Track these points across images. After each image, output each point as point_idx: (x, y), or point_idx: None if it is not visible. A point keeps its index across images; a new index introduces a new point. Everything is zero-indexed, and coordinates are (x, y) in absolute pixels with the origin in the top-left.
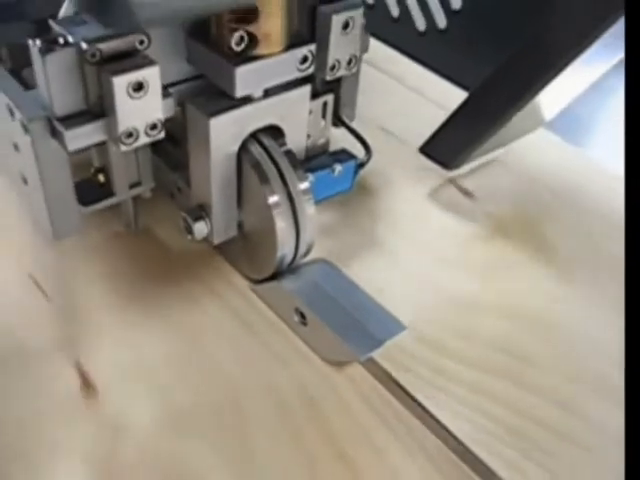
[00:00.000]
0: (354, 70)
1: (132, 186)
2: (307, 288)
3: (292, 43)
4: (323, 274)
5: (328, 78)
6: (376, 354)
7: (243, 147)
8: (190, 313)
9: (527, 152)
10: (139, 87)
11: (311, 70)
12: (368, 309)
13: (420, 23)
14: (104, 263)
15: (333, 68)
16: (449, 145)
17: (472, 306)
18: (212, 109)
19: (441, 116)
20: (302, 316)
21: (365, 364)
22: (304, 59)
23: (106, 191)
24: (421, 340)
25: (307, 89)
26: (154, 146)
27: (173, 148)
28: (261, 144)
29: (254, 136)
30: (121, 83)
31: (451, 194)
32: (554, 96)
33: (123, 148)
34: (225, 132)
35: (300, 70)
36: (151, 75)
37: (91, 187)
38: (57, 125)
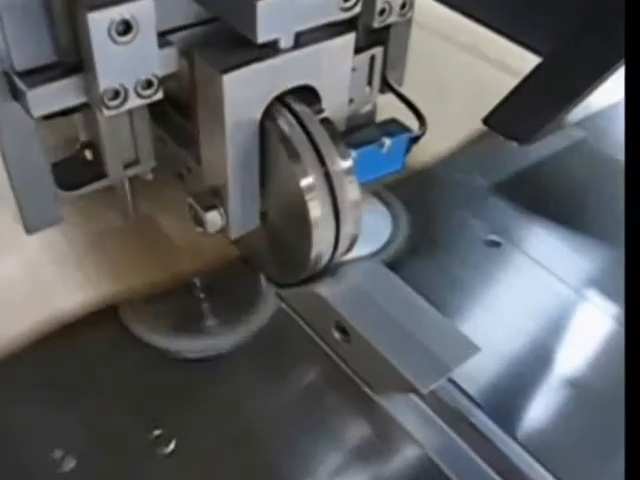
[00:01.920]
0: (408, 16)
1: (128, 165)
2: (350, 296)
3: None
4: (370, 278)
5: (376, 25)
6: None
7: (267, 114)
8: None
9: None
10: (126, 28)
11: (357, 9)
12: (429, 323)
13: None
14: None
15: (382, 12)
16: (522, 117)
17: None
18: (227, 62)
19: (503, 79)
20: (343, 332)
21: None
22: None
23: (95, 171)
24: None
25: (351, 37)
26: (156, 114)
27: (180, 117)
28: (291, 110)
29: (281, 100)
30: (101, 22)
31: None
32: None
33: (107, 112)
34: (244, 93)
35: (343, 9)
36: (142, 11)
37: (75, 166)
38: (17, 82)
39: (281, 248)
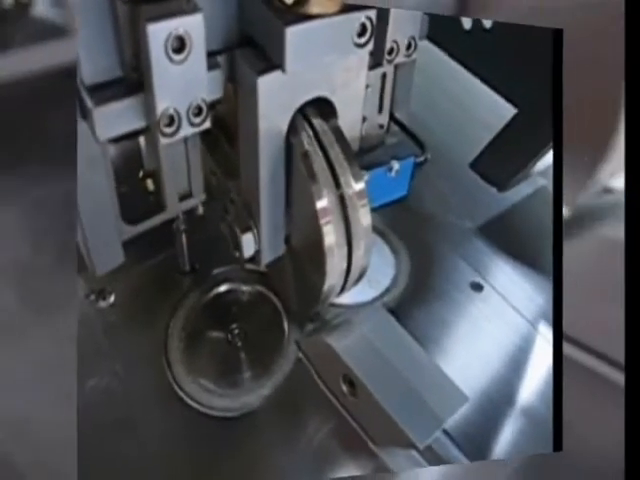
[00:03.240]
0: (413, 57)
1: (182, 198)
2: (358, 347)
3: (348, 6)
4: (376, 327)
5: (385, 64)
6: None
7: (292, 128)
8: None
9: None
10: (180, 45)
11: (370, 47)
12: (426, 373)
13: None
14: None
15: (391, 52)
16: (500, 164)
17: None
18: (265, 63)
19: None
20: (351, 384)
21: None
22: (362, 29)
23: (155, 203)
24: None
25: (366, 51)
26: (208, 143)
27: (228, 145)
28: (311, 125)
29: (302, 112)
30: (159, 34)
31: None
32: None
33: (163, 140)
34: (277, 98)
35: (357, 45)
36: (193, 27)
37: (137, 199)
38: (85, 99)
39: (299, 276)
